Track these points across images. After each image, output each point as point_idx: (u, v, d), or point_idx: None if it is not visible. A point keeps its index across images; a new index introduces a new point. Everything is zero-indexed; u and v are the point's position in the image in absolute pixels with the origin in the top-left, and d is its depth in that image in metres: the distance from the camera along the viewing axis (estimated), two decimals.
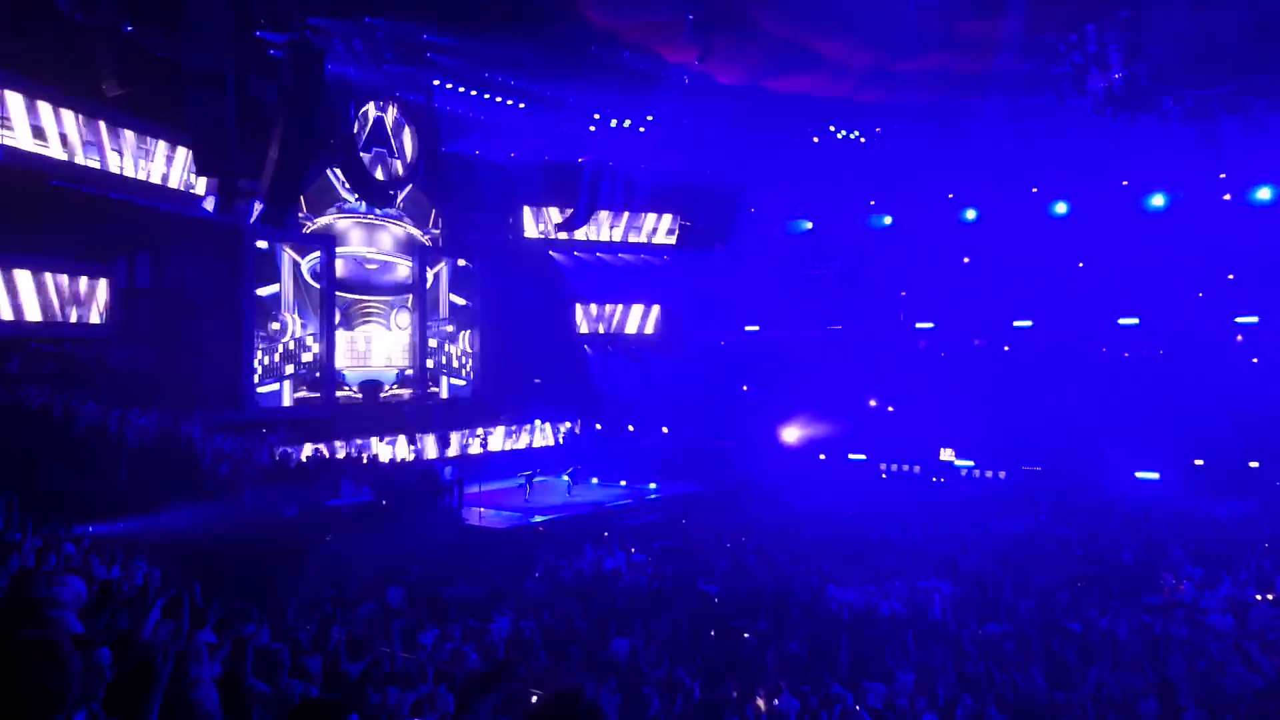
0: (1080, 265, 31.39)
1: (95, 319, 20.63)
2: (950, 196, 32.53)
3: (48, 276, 19.53)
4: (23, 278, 18.98)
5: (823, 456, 32.67)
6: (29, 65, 18.09)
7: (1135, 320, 30.36)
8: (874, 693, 11.01)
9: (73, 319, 20.11)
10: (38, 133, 18.58)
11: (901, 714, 10.59)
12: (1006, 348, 32.88)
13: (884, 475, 32.01)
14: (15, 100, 18.14)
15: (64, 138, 19.19)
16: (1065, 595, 16.30)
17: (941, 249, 33.11)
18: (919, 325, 34.19)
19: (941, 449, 31.85)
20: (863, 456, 32.56)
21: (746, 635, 13.49)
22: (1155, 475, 27.93)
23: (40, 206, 18.48)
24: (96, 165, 19.93)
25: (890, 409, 33.58)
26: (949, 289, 33.09)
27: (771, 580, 17.66)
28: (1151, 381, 28.81)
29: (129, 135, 20.76)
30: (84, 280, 20.34)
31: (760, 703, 10.23)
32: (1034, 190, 31.03)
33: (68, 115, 19.21)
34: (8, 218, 17.97)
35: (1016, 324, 32.09)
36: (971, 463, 31.26)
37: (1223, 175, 28.08)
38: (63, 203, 18.85)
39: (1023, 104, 23.86)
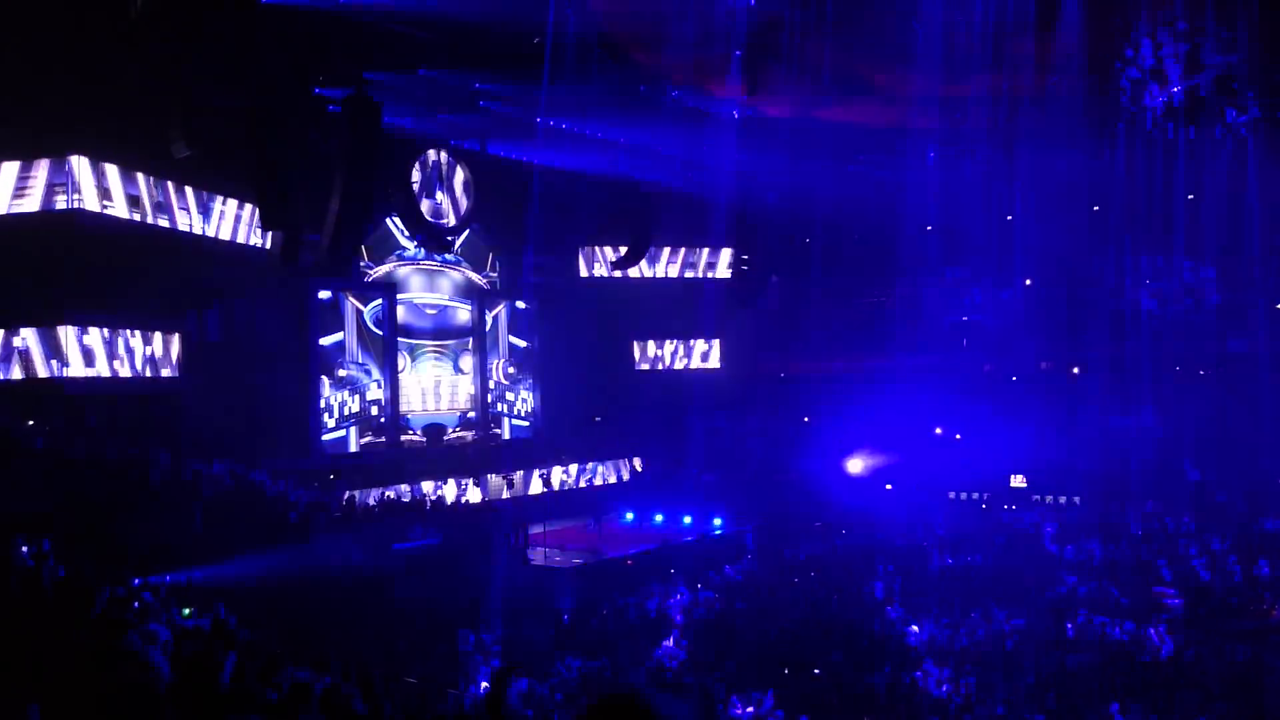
0: (1148, 282, 30.66)
1: (168, 372, 21.23)
2: (1009, 218, 32.03)
3: (124, 332, 20.19)
4: (100, 335, 19.66)
5: (889, 486, 32.10)
6: (102, 130, 18.83)
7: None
8: None
9: (148, 373, 20.73)
10: (112, 196, 19.31)
11: None
12: (1075, 370, 32.11)
13: (953, 504, 31.30)
14: (90, 165, 18.90)
15: (136, 199, 19.91)
16: (1148, 623, 15.74)
17: (1002, 273, 32.56)
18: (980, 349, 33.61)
19: (1011, 476, 31.11)
20: (931, 486, 31.89)
21: (817, 670, 13.24)
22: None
23: (116, 266, 19.18)
24: (166, 224, 20.63)
25: (958, 436, 32.93)
26: (1012, 313, 32.49)
27: (842, 614, 17.35)
28: (1230, 399, 27.88)
29: (197, 194, 21.45)
30: (158, 335, 20.98)
31: None
32: (1095, 209, 30.40)
33: (139, 177, 19.93)
34: (86, 278, 18.69)
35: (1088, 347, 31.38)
36: (1042, 490, 30.46)
37: None
38: (136, 261, 19.53)
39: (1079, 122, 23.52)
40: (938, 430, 33.41)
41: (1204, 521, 24.52)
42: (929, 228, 33.51)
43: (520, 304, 31.84)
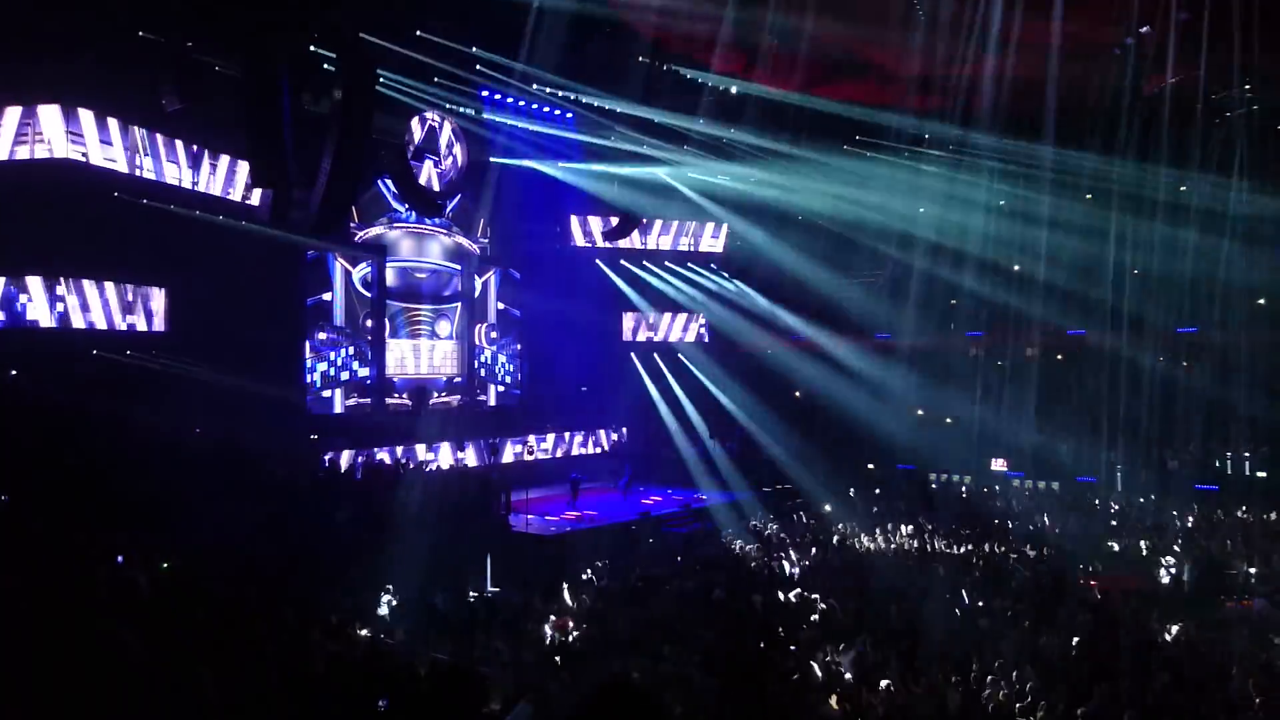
0: (1136, 272, 30.76)
1: (155, 328, 21.13)
2: (1001, 204, 32.03)
3: (110, 286, 20.06)
4: (87, 287, 19.53)
5: (871, 466, 32.33)
6: (95, 81, 18.61)
7: (1194, 329, 29.70)
8: None
9: (134, 328, 20.62)
10: (102, 147, 19.12)
11: None
12: (1060, 356, 32.30)
13: (934, 486, 31.55)
14: (84, 116, 18.70)
15: (127, 151, 19.73)
16: (1122, 607, 15.98)
17: (989, 255, 32.58)
18: (970, 334, 33.77)
19: (993, 460, 31.36)
20: (913, 467, 32.13)
21: (793, 647, 13.36)
22: (1214, 489, 27.24)
23: (104, 218, 18.99)
24: (157, 178, 20.46)
25: (949, 421, 33.08)
26: (1000, 297, 32.57)
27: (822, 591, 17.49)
28: (1211, 391, 28.10)
29: (188, 148, 21.26)
30: (145, 290, 20.85)
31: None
32: (1088, 196, 30.43)
33: (131, 129, 19.74)
34: (73, 229, 18.50)
35: (1070, 332, 31.56)
36: (1023, 474, 30.76)
37: None
38: (125, 214, 19.36)
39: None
40: (920, 412, 33.60)
41: (1178, 508, 24.83)
42: (921, 209, 33.54)
43: (511, 270, 31.76)
